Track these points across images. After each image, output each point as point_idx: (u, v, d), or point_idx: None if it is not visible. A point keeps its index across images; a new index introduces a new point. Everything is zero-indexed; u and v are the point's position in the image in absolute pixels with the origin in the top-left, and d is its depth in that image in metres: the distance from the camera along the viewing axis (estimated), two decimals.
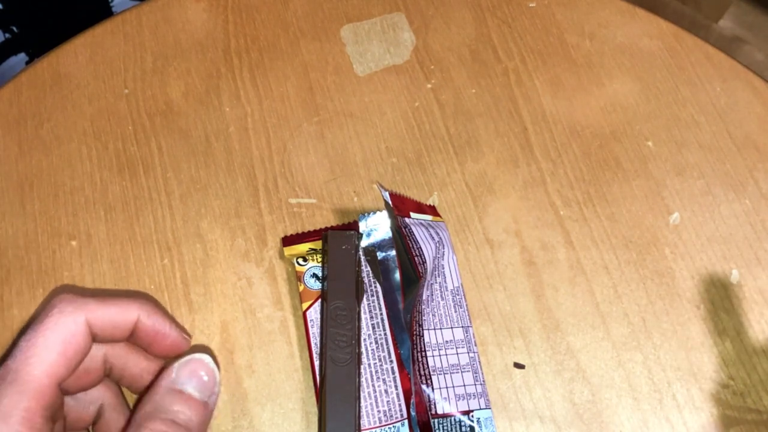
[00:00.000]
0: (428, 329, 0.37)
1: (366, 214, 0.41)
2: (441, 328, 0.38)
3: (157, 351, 0.32)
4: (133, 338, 0.31)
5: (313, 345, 0.38)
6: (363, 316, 0.38)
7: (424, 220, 0.42)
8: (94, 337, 0.29)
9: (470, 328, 0.39)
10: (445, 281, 0.39)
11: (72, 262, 0.42)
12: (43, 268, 0.42)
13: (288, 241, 0.41)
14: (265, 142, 0.46)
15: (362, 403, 0.36)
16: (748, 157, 0.45)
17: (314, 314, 0.39)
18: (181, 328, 0.33)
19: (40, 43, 0.66)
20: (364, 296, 0.39)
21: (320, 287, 0.39)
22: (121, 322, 0.30)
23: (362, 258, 0.40)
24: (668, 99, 0.47)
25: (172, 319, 0.33)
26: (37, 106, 0.48)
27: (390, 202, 0.41)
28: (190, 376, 0.29)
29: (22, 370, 0.26)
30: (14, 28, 0.65)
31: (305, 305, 0.39)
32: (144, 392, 0.34)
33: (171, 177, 0.45)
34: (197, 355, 0.29)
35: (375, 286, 0.39)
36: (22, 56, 0.66)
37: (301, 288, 0.39)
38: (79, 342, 0.28)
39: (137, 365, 0.33)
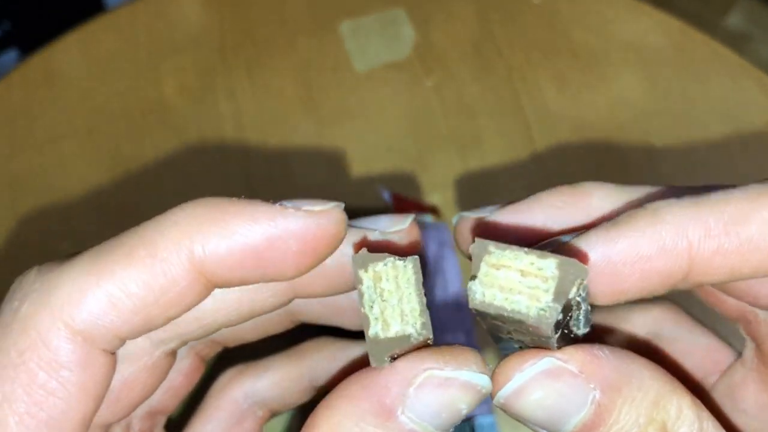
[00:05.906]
0: None
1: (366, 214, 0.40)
2: (442, 332, 0.37)
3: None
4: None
5: None
6: None
7: (425, 220, 0.41)
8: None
9: (472, 331, 0.38)
10: (446, 284, 0.39)
11: None
12: None
13: None
14: (261, 141, 0.45)
15: None
16: (757, 156, 0.44)
17: None
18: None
19: (32, 39, 0.66)
20: None
21: None
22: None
23: None
24: (675, 96, 0.46)
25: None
26: (28, 103, 0.47)
27: (390, 203, 0.40)
28: (435, 411, 0.14)
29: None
30: (5, 24, 0.65)
31: None
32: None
33: (165, 176, 0.44)
34: (454, 374, 0.14)
35: None
36: (13, 53, 0.66)
37: None
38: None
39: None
